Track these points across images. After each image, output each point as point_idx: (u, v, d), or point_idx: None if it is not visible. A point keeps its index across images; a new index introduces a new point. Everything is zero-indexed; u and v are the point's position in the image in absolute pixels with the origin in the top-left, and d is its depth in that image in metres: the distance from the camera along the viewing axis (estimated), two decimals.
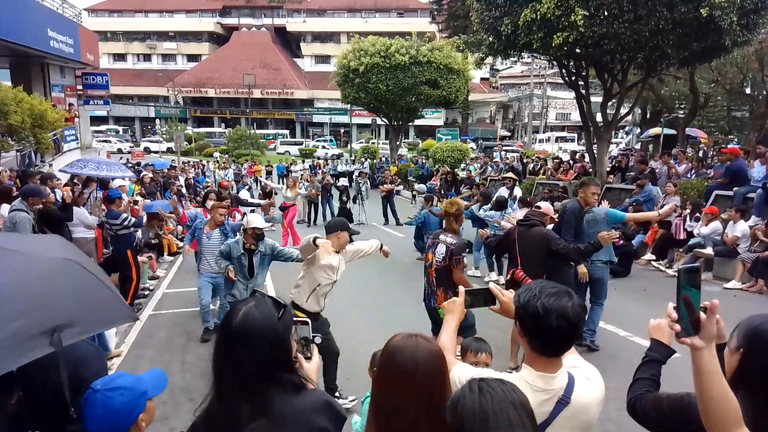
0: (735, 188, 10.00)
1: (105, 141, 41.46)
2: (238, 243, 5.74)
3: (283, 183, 24.55)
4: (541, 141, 41.68)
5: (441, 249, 4.78)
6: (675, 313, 1.46)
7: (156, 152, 36.29)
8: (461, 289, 2.05)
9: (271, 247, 5.69)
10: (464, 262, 4.77)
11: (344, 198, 15.37)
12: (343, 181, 17.09)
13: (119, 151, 38.93)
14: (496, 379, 1.39)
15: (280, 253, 5.71)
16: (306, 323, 1.89)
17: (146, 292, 8.48)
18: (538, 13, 11.19)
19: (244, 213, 9.23)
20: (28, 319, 1.53)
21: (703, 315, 1.41)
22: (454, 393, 1.42)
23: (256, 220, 5.72)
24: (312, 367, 1.79)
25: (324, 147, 44.59)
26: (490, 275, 9.30)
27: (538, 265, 5.00)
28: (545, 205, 5.66)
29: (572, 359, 1.82)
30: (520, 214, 7.99)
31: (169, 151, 39.75)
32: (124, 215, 7.42)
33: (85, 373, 1.82)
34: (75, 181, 10.24)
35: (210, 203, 7.18)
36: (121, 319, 2.53)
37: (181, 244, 10.97)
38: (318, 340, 1.95)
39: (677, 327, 1.44)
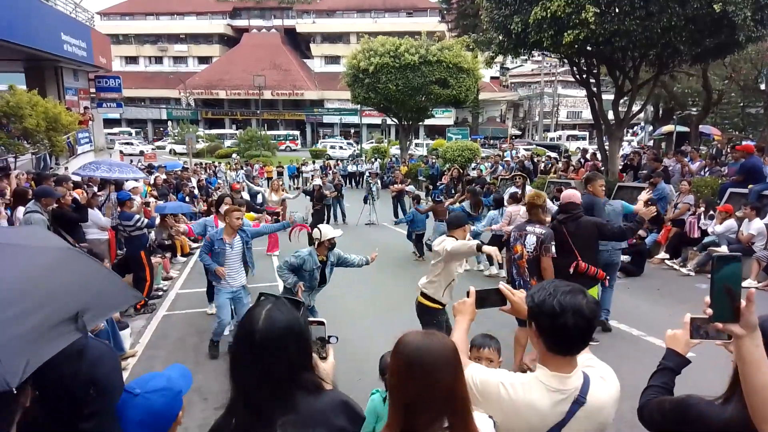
0: (750, 186, 9.87)
1: (127, 143, 42.07)
2: (312, 255, 5.41)
3: (295, 183, 24.69)
4: (552, 139, 41.42)
5: (531, 240, 5.05)
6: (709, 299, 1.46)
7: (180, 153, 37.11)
8: (472, 289, 2.05)
9: (337, 256, 5.63)
10: (552, 251, 4.98)
11: (319, 200, 14.14)
12: (317, 182, 15.52)
13: (141, 153, 39.54)
14: None
15: (344, 260, 5.67)
16: (322, 323, 1.89)
17: (160, 293, 8.55)
18: (549, 10, 11.12)
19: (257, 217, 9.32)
20: (49, 308, 1.55)
21: (743, 303, 1.41)
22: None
23: (330, 231, 5.52)
24: (328, 367, 1.79)
25: (342, 147, 44.48)
26: (491, 269, 9.57)
27: (593, 253, 5.30)
28: (571, 192, 5.54)
29: (586, 359, 1.81)
30: (512, 209, 8.69)
31: (172, 153, 40.18)
32: (137, 216, 7.51)
33: (101, 371, 1.81)
34: (89, 183, 10.36)
35: (224, 208, 6.61)
36: (128, 301, 2.65)
37: (194, 245, 11.03)
38: (333, 340, 1.95)
39: (709, 311, 1.44)
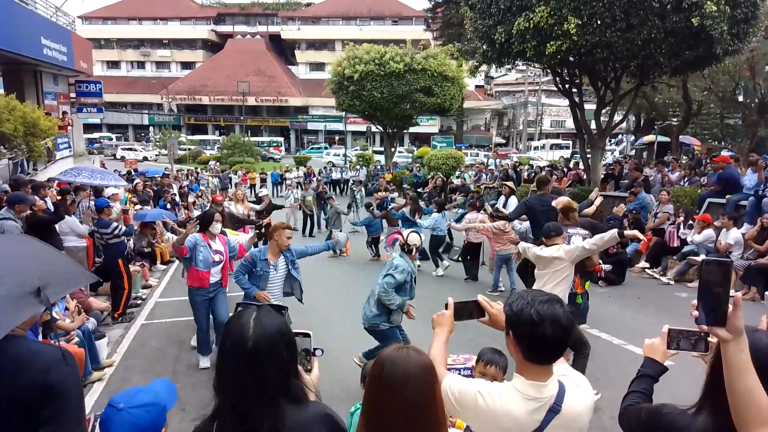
0: (727, 196, 10.04)
1: (130, 149, 41.74)
2: (409, 263, 5.17)
3: (279, 190, 24.54)
4: (536, 148, 41.86)
5: (578, 239, 5.29)
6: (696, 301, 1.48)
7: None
8: (450, 301, 2.06)
9: (295, 251, 5.66)
10: None
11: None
12: (264, 192, 14.56)
13: (144, 159, 39.36)
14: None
15: (302, 252, 5.73)
16: (307, 335, 1.87)
17: (138, 301, 8.40)
18: (532, 21, 11.26)
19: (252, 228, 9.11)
20: (11, 283, 1.59)
21: (730, 308, 1.43)
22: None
23: (416, 237, 5.42)
24: (312, 379, 1.79)
25: (336, 154, 44.14)
26: (437, 271, 10.31)
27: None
28: (566, 199, 6.18)
29: (562, 368, 1.86)
30: (471, 215, 9.73)
31: (145, 159, 39.84)
32: (115, 224, 7.39)
33: (54, 377, 1.79)
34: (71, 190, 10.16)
35: (217, 227, 5.85)
36: (86, 280, 2.82)
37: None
38: (319, 353, 1.95)
39: (695, 313, 1.46)
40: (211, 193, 19.71)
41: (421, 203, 12.72)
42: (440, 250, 10.30)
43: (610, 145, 32.30)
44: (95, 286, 7.83)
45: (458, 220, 10.82)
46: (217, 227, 5.83)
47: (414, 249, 5.32)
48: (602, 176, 14.62)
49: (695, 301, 1.47)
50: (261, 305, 1.67)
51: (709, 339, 1.56)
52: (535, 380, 1.72)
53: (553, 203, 6.45)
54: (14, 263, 1.69)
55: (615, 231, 4.70)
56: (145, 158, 40.26)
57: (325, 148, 49.34)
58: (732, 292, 1.45)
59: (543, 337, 1.65)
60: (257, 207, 11.73)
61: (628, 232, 4.91)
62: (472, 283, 9.74)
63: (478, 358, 3.04)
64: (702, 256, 9.12)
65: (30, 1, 16.34)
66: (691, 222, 9.89)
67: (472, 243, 9.92)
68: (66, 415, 1.75)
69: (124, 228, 7.52)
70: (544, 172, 17.35)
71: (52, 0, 19.10)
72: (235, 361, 1.52)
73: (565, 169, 16.79)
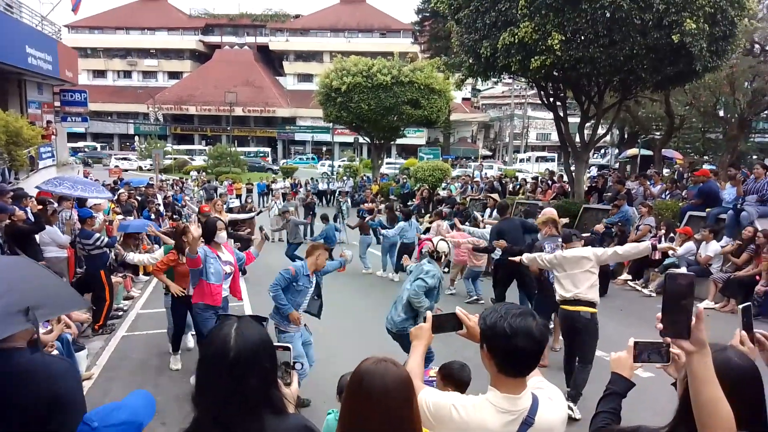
0: (707, 209, 10.22)
1: (124, 159, 41.45)
2: (438, 269, 5.27)
3: (265, 201, 24.43)
4: (521, 161, 42.22)
5: (435, 238, 5.88)
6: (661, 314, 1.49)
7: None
8: (428, 314, 2.09)
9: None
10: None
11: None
12: (234, 203, 14.52)
13: (139, 169, 39.05)
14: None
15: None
16: (287, 349, 1.88)
17: (120, 313, 8.29)
18: (517, 36, 11.45)
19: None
20: (2, 300, 1.67)
21: (693, 320, 1.45)
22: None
23: (445, 245, 5.50)
24: (291, 392, 1.79)
25: (331, 165, 44.02)
26: (389, 274, 11.08)
27: None
28: (550, 210, 6.79)
29: (536, 381, 1.88)
30: (437, 223, 10.60)
31: (140, 169, 39.65)
32: (97, 235, 7.30)
33: (62, 388, 1.88)
34: (50, 200, 10.02)
35: (222, 235, 5.53)
36: (78, 305, 2.95)
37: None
38: (298, 366, 1.95)
39: (660, 325, 1.48)
40: (197, 203, 19.54)
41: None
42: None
43: (595, 158, 32.74)
44: None
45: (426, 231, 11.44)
46: (222, 236, 5.53)
47: (443, 256, 5.42)
48: (586, 189, 14.79)
49: (659, 314, 1.50)
50: (241, 317, 1.66)
51: (672, 350, 1.58)
52: (508, 393, 1.73)
53: (540, 218, 6.79)
54: (11, 281, 1.75)
55: (649, 243, 4.99)
56: (140, 168, 39.97)
57: (313, 159, 49.41)
58: (708, 304, 1.48)
59: (516, 350, 1.67)
60: (239, 216, 11.53)
61: (662, 246, 5.21)
62: (455, 294, 9.78)
63: (439, 369, 3.09)
64: (683, 269, 9.25)
65: (15, 10, 16.22)
66: (672, 235, 10.03)
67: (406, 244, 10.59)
68: (72, 428, 1.75)
69: (106, 239, 7.44)
70: (528, 184, 17.54)
71: (38, 9, 19.01)
72: (217, 371, 1.52)
73: (550, 182, 16.95)
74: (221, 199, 12.14)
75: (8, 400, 1.82)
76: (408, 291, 5.05)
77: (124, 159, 42.23)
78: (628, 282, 10.30)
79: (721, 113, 20.26)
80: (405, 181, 24.51)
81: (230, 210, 13.19)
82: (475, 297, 9.21)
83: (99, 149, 48.34)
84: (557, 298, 5.21)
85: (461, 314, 2.03)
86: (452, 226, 10.64)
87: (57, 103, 20.23)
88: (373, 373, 1.59)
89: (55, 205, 9.27)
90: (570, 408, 4.79)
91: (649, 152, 21.51)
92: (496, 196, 12.83)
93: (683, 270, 9.23)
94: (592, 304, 4.97)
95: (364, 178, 29.81)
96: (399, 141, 34.53)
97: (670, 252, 9.74)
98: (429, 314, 2.08)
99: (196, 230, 5.17)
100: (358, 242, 11.79)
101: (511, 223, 8.13)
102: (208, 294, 5.22)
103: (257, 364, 1.54)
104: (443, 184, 21.57)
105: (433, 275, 5.07)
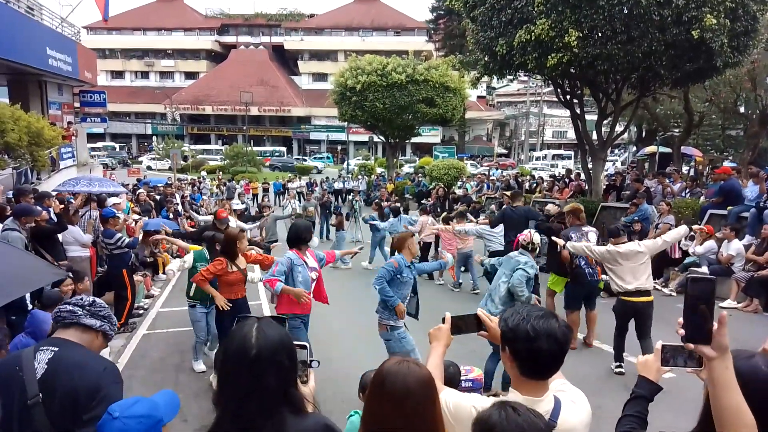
0: (729, 207, 10.05)
1: (156, 158, 42.12)
2: (532, 260, 5.51)
3: (281, 200, 24.57)
4: (537, 159, 41.92)
5: (593, 237, 6.61)
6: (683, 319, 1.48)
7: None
8: (447, 315, 2.08)
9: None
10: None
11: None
12: (237, 205, 13.88)
13: (169, 169, 39.78)
14: (521, 404, 1.46)
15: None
16: (304, 347, 1.88)
17: (140, 311, 8.41)
18: (533, 34, 11.35)
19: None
20: None
21: (715, 325, 1.43)
22: (481, 412, 1.48)
23: (538, 237, 5.85)
24: (308, 391, 1.80)
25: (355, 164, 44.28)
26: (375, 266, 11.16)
27: None
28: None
29: (558, 383, 1.86)
30: (422, 219, 11.17)
31: (149, 168, 40.15)
32: (119, 235, 7.40)
33: (106, 381, 2.07)
34: (70, 199, 10.21)
35: (315, 240, 5.57)
36: (47, 279, 3.00)
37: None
38: (315, 364, 1.96)
39: (682, 331, 1.46)
40: (214, 204, 19.72)
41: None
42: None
43: (612, 155, 32.38)
44: (98, 295, 7.83)
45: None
46: (315, 241, 5.46)
47: (537, 248, 5.75)
48: (603, 187, 14.64)
49: (681, 319, 1.47)
50: (261, 317, 1.69)
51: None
52: (530, 395, 1.72)
53: (565, 208, 7.53)
54: None
55: (685, 226, 6.01)
56: (170, 168, 40.73)
57: (328, 158, 49.61)
58: (731, 304, 1.46)
59: (539, 352, 1.66)
60: (247, 227, 10.64)
61: (696, 227, 6.07)
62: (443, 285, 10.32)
63: None
64: (704, 268, 9.12)
65: (36, 12, 16.51)
66: (692, 233, 9.89)
67: (425, 242, 11.04)
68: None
69: (127, 239, 7.52)
70: (545, 183, 17.41)
71: (58, 11, 19.31)
72: (238, 370, 1.54)
73: (567, 180, 16.80)
74: (228, 204, 11.97)
75: (59, 387, 2.02)
76: (506, 283, 5.31)
77: (156, 159, 42.94)
78: None
79: (742, 109, 19.90)
80: (420, 179, 24.47)
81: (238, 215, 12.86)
82: (477, 290, 9.51)
83: (117, 149, 49.02)
84: (617, 289, 5.69)
85: (482, 315, 2.02)
86: (446, 220, 10.66)
87: (77, 104, 20.56)
88: (395, 373, 1.59)
89: (77, 202, 9.46)
90: None
91: (668, 150, 21.20)
92: (510, 194, 12.76)
93: (704, 270, 9.10)
94: (650, 292, 5.68)
95: (380, 177, 29.82)
96: (414, 140, 34.49)
97: (690, 250, 9.63)
98: (448, 315, 2.07)
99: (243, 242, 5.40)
100: (335, 238, 12.30)
101: (517, 212, 8.65)
102: (296, 303, 4.97)
103: (277, 363, 1.55)
104: (459, 183, 21.50)
105: (531, 266, 5.38)
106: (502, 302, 5.28)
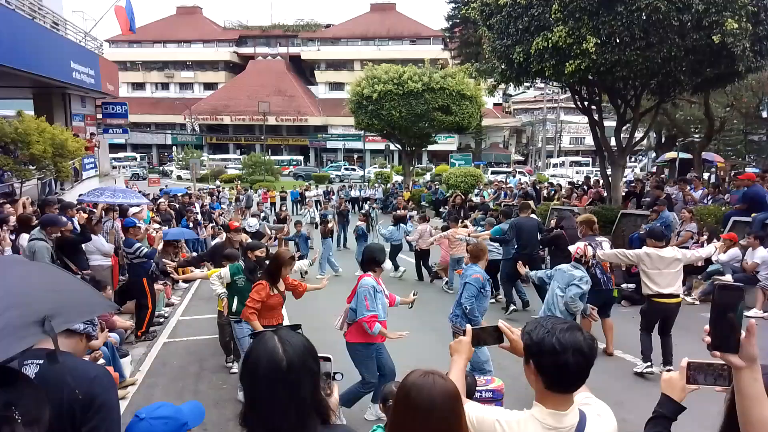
0: (753, 214, 9.85)
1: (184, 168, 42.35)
2: (585, 273, 5.62)
3: (298, 209, 24.70)
4: (555, 165, 41.60)
5: (606, 245, 6.86)
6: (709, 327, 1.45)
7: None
8: (468, 327, 2.06)
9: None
10: None
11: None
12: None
13: (178, 178, 40.53)
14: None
15: None
16: (328, 359, 1.87)
17: (161, 320, 8.51)
18: (550, 41, 11.29)
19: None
20: (17, 311, 1.63)
21: (743, 334, 1.39)
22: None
23: (591, 250, 6.05)
24: (332, 403, 1.78)
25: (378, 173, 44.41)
26: (395, 273, 11.63)
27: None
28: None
29: (583, 396, 1.83)
30: (422, 227, 11.58)
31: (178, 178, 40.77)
32: (138, 244, 7.48)
33: (97, 389, 1.98)
34: (92, 209, 10.40)
35: (387, 264, 5.17)
36: (102, 309, 2.86)
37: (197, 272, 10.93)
38: (339, 377, 1.93)
39: (707, 338, 1.43)
40: (233, 212, 19.91)
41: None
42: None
43: (631, 162, 31.96)
44: (120, 304, 7.96)
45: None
46: (388, 264, 5.23)
47: (591, 261, 5.94)
48: (623, 194, 14.46)
49: (707, 327, 1.44)
50: (277, 328, 1.68)
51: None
52: (555, 409, 1.69)
53: (578, 219, 7.84)
54: (22, 292, 1.75)
55: (713, 246, 6.84)
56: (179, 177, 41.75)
57: (350, 168, 49.81)
58: (757, 312, 1.43)
59: (566, 366, 1.62)
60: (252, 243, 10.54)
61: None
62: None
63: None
64: (728, 276, 8.94)
65: (60, 27, 16.92)
66: (715, 241, 9.71)
67: (422, 249, 11.34)
68: (107, 429, 1.87)
69: (146, 250, 7.58)
70: (563, 190, 17.25)
71: (82, 25, 19.77)
72: (271, 384, 1.51)
73: (585, 187, 16.63)
74: (238, 216, 11.83)
75: (52, 400, 1.86)
76: (562, 297, 5.39)
77: (184, 168, 43.64)
78: None
79: (764, 114, 19.55)
80: (437, 187, 24.44)
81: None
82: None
83: (139, 159, 49.87)
84: (648, 292, 5.91)
85: (504, 327, 1.99)
86: (444, 228, 11.59)
87: (99, 115, 20.97)
88: (420, 386, 1.59)
89: (98, 212, 9.63)
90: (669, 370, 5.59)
91: (688, 155, 20.89)
92: (531, 203, 12.69)
93: (729, 278, 8.92)
94: (679, 295, 6.00)
95: (396, 185, 29.88)
96: (430, 147, 34.50)
97: (713, 258, 9.45)
98: (469, 327, 2.05)
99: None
100: (322, 247, 12.34)
101: (530, 221, 9.15)
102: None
103: (307, 371, 1.54)
104: (476, 191, 21.42)
105: (586, 281, 5.43)
106: (563, 316, 5.23)
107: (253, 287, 4.99)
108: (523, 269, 6.20)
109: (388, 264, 6.29)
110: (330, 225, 13.08)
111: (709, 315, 1.46)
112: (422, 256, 11.41)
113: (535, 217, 9.71)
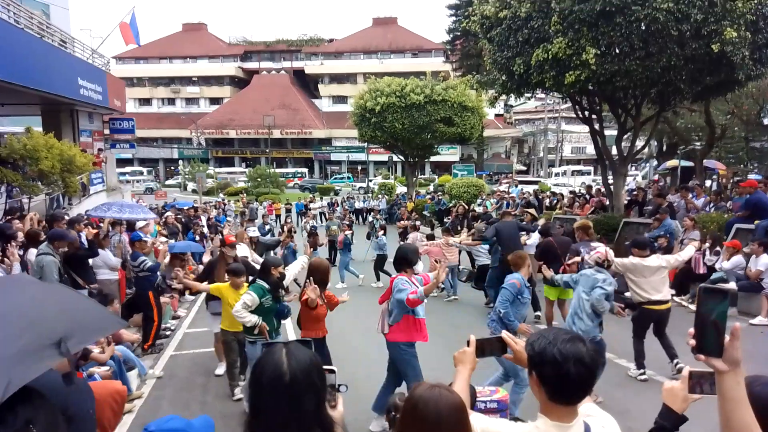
0: (756, 221, 9.86)
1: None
2: (609, 276, 5.74)
3: (302, 221, 24.81)
4: (557, 175, 41.62)
5: (602, 249, 6.89)
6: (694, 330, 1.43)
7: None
8: (472, 338, 2.07)
9: None
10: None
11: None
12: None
13: (193, 192, 41.02)
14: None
15: None
16: (332, 371, 1.89)
17: (167, 332, 8.58)
18: (550, 53, 11.41)
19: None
20: (32, 334, 1.64)
21: (727, 338, 1.38)
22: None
23: (612, 254, 6.16)
24: (338, 415, 1.81)
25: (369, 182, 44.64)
26: (378, 283, 11.88)
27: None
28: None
29: (587, 408, 1.81)
30: (412, 235, 11.90)
31: (194, 192, 40.93)
32: (142, 258, 7.54)
33: (76, 407, 2.00)
34: (99, 224, 10.52)
35: (419, 265, 5.18)
36: (113, 327, 2.87)
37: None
38: (343, 389, 1.96)
39: (692, 342, 1.42)
40: (239, 225, 20.02)
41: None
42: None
43: (632, 170, 31.94)
44: (127, 317, 8.03)
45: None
46: (420, 265, 5.25)
47: (612, 264, 5.98)
48: (625, 203, 14.49)
49: (692, 330, 1.43)
50: (287, 342, 1.71)
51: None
52: (559, 421, 1.68)
53: (575, 224, 8.34)
54: (37, 314, 1.77)
55: (693, 246, 6.65)
56: (195, 191, 42.22)
57: (349, 178, 50.05)
58: (762, 320, 1.43)
59: (567, 376, 1.61)
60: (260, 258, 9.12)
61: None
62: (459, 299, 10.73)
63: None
64: (732, 284, 8.94)
65: (68, 44, 17.20)
66: (718, 248, 9.73)
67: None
68: None
69: (149, 263, 7.57)
70: (566, 199, 17.28)
71: (89, 42, 20.07)
72: (274, 396, 1.54)
73: (587, 196, 16.66)
74: (242, 230, 11.61)
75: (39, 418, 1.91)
76: (588, 301, 5.50)
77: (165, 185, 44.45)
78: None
79: (766, 121, 19.56)
80: (440, 197, 24.50)
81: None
82: (454, 296, 10.57)
83: (145, 173, 50.26)
84: (639, 300, 6.11)
85: (507, 338, 2.00)
86: (430, 237, 12.09)
87: (106, 131, 21.21)
88: (426, 399, 1.60)
89: (105, 226, 9.76)
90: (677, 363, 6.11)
91: (690, 163, 20.90)
92: (532, 211, 12.75)
93: (732, 285, 8.92)
94: (668, 301, 6.22)
95: (399, 196, 29.98)
96: (433, 158, 34.66)
97: (717, 266, 9.46)
98: (472, 338, 2.05)
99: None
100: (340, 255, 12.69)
101: (509, 223, 9.73)
102: (415, 328, 4.81)
103: (311, 385, 1.56)
104: (478, 201, 21.47)
105: (610, 282, 5.52)
106: (590, 319, 5.46)
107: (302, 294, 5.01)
108: (548, 272, 6.35)
109: (420, 265, 6.44)
110: (313, 238, 13.15)
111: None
112: (483, 275, 11.20)
113: (512, 220, 10.36)
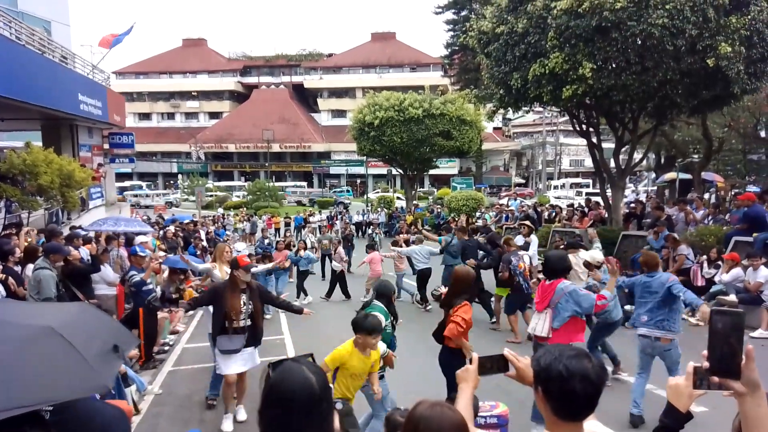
0: (754, 234, 9.87)
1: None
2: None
3: (301, 234, 24.80)
4: (555, 188, 41.73)
5: (527, 258, 8.60)
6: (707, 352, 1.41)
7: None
8: (474, 356, 2.06)
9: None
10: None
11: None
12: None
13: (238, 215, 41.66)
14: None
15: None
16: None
17: (166, 348, 8.52)
18: (547, 67, 11.51)
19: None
20: (98, 341, 1.84)
21: (743, 359, 1.36)
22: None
23: (598, 254, 6.73)
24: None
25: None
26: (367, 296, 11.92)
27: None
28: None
29: (592, 425, 1.79)
30: (372, 255, 11.92)
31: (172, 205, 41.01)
32: (131, 273, 7.48)
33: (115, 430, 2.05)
34: (98, 239, 10.52)
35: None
36: (135, 342, 3.05)
37: None
38: (339, 406, 1.98)
39: (706, 363, 1.40)
40: (239, 239, 20.00)
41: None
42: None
43: (629, 183, 32.05)
44: None
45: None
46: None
47: (599, 265, 6.66)
48: (623, 215, 14.52)
49: (705, 352, 1.41)
50: (294, 358, 1.69)
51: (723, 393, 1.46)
52: None
53: (502, 240, 9.63)
54: (90, 328, 1.90)
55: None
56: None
57: (348, 191, 50.12)
58: (762, 333, 1.42)
59: (572, 392, 1.60)
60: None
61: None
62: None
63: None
64: (732, 296, 8.93)
65: (69, 60, 17.33)
66: (719, 262, 9.73)
67: (425, 274, 11.38)
68: None
69: (136, 279, 7.42)
70: (564, 212, 17.29)
71: (89, 58, 20.22)
72: (308, 415, 1.51)
73: (586, 209, 16.69)
74: (222, 244, 10.87)
75: None
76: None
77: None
78: None
79: (763, 134, 19.69)
80: (439, 210, 24.53)
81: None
82: (419, 298, 11.08)
83: (144, 187, 50.32)
84: None
85: (509, 356, 1.99)
86: (370, 247, 12.62)
87: (106, 146, 21.29)
88: (428, 418, 1.59)
89: (103, 243, 9.75)
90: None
91: (688, 176, 20.98)
92: (529, 223, 12.74)
93: (733, 297, 8.91)
94: None
95: (398, 209, 30.02)
96: (432, 171, 34.79)
97: (716, 278, 9.45)
98: (475, 356, 2.05)
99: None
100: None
101: (471, 242, 10.69)
102: (579, 331, 4.99)
103: (330, 400, 1.58)
104: (477, 214, 21.50)
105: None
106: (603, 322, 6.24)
107: (456, 310, 4.65)
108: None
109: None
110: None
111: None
112: (423, 279, 11.40)
113: (474, 239, 11.29)
